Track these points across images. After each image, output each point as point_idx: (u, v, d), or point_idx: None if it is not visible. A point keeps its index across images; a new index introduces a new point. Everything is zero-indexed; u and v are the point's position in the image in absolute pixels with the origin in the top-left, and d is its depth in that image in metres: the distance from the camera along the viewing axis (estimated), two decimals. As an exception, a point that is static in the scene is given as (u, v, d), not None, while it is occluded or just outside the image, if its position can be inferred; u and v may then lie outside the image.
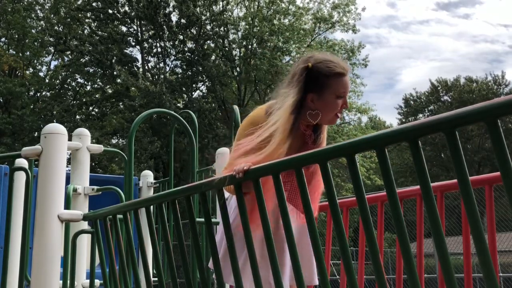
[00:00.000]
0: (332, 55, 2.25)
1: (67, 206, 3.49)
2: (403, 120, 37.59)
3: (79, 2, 20.71)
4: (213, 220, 3.05)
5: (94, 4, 20.41)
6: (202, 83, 21.49)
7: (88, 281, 3.37)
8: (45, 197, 2.98)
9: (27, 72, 22.50)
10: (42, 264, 2.88)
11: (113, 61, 19.15)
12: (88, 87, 22.31)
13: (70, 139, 3.73)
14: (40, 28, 21.19)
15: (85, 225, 3.48)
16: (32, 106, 20.30)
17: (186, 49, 20.44)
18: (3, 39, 21.47)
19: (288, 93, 2.13)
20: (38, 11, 22.12)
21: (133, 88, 19.21)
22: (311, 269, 2.33)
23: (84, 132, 4.04)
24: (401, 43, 65.30)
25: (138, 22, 20.78)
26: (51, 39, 20.17)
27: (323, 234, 4.17)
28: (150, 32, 20.44)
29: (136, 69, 20.36)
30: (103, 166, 19.88)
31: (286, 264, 2.22)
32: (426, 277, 12.35)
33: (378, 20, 60.50)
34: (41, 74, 22.50)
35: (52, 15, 21.11)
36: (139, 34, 20.89)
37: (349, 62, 24.19)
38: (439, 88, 37.39)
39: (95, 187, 3.95)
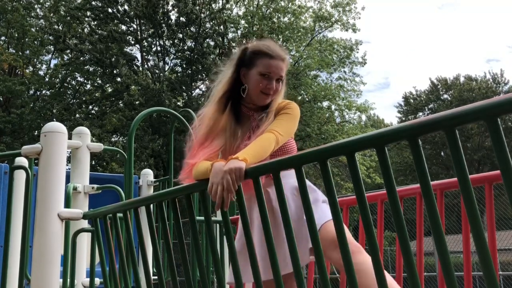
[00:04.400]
0: (273, 42, 2.41)
1: (67, 204, 3.50)
2: (403, 119, 37.61)
3: (78, 1, 20.67)
4: (213, 218, 3.05)
5: (93, 3, 20.38)
6: (202, 81, 21.48)
7: (88, 279, 3.37)
8: (45, 195, 2.99)
9: (27, 70, 22.46)
10: (42, 263, 2.88)
11: (113, 59, 19.12)
12: (88, 86, 22.29)
13: (70, 137, 3.74)
14: (39, 27, 21.16)
15: (85, 224, 3.49)
16: (32, 105, 20.25)
17: (185, 47, 20.42)
18: (2, 38, 21.44)
19: (225, 70, 2.39)
20: (38, 10, 22.10)
21: (133, 87, 19.19)
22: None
23: (84, 131, 4.05)
24: (398, 42, 65.26)
25: (138, 21, 20.75)
26: (50, 37, 20.15)
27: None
28: (149, 31, 20.42)
29: (136, 67, 20.35)
30: (103, 165, 19.88)
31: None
32: (426, 276, 12.35)
33: (375, 19, 60.46)
34: (41, 72, 22.46)
35: (51, 14, 21.08)
36: (138, 32, 20.87)
37: (348, 60, 24.17)
38: (439, 87, 37.40)
39: (95, 186, 3.96)
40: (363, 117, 26.02)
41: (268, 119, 2.25)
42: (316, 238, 1.65)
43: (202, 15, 19.63)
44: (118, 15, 20.35)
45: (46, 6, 22.02)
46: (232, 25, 21.78)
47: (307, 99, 22.45)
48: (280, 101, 2.34)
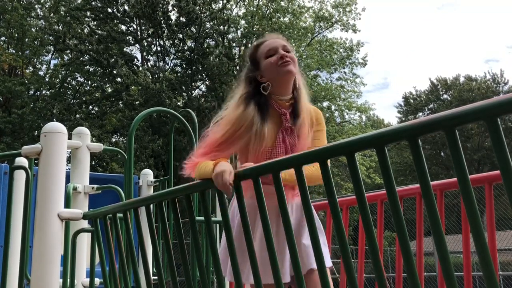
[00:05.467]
0: (264, 36, 2.48)
1: (67, 204, 3.50)
2: (403, 119, 37.60)
3: (78, 1, 20.67)
4: (213, 218, 3.05)
5: (93, 3, 20.38)
6: (201, 81, 21.47)
7: (88, 279, 3.37)
8: (45, 195, 2.99)
9: (27, 71, 22.46)
10: (42, 263, 2.88)
11: (113, 60, 19.11)
12: (88, 87, 22.28)
13: (70, 137, 3.74)
14: (39, 27, 21.16)
15: (85, 224, 3.49)
16: (32, 105, 20.24)
17: (185, 48, 20.41)
18: (2, 38, 21.45)
19: (239, 82, 2.42)
20: (38, 10, 22.10)
21: (133, 87, 19.18)
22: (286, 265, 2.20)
23: (84, 131, 4.05)
24: (398, 42, 65.31)
25: (138, 21, 20.75)
26: (50, 38, 20.14)
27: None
28: (149, 31, 20.41)
29: (135, 67, 20.35)
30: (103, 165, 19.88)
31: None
32: (426, 276, 12.36)
33: (375, 20, 60.49)
34: (40, 73, 22.47)
35: (51, 14, 21.09)
36: (138, 32, 20.86)
37: (348, 61, 24.20)
38: (438, 87, 37.39)
39: (95, 186, 3.96)
40: (363, 118, 26.02)
41: (304, 125, 2.28)
42: (316, 237, 1.65)
43: (203, 15, 19.61)
44: (118, 14, 20.34)
45: (46, 6, 22.02)
46: (232, 25, 21.76)
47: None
48: (309, 105, 2.37)
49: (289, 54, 2.29)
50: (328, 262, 2.18)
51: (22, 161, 3.66)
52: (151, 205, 2.30)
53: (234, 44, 21.30)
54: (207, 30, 19.96)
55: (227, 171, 1.88)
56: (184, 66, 20.86)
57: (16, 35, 20.87)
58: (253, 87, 2.31)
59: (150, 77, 19.40)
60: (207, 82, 21.23)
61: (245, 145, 2.21)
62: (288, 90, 2.32)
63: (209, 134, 2.22)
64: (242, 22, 22.66)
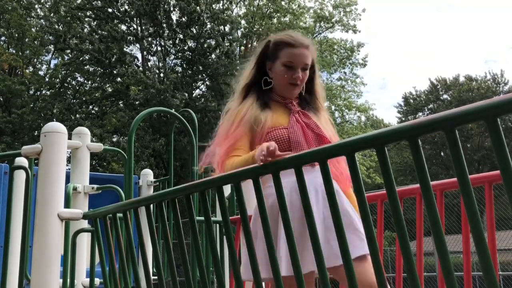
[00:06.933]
0: (295, 32, 2.37)
1: (67, 204, 3.50)
2: (403, 119, 37.59)
3: (78, 1, 20.66)
4: (213, 218, 3.05)
5: (94, 2, 20.37)
6: (202, 82, 21.45)
7: (88, 279, 3.37)
8: (45, 195, 2.99)
9: (27, 71, 22.44)
10: (42, 263, 2.88)
11: (114, 59, 19.10)
12: (88, 86, 22.28)
13: (70, 137, 3.74)
14: (39, 26, 21.17)
15: (85, 224, 3.49)
16: (32, 105, 20.24)
17: (186, 48, 20.39)
18: (2, 38, 21.45)
19: (246, 65, 2.38)
20: (38, 10, 22.10)
21: (133, 87, 19.16)
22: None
23: (84, 131, 4.05)
24: (398, 43, 65.33)
25: (138, 21, 20.73)
26: (51, 37, 20.13)
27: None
28: (149, 31, 20.39)
29: (136, 67, 20.34)
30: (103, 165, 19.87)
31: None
32: (426, 276, 12.35)
33: (374, 20, 60.46)
34: (41, 73, 22.45)
35: (51, 14, 21.08)
36: (138, 32, 20.84)
37: (348, 61, 24.20)
38: (438, 87, 37.38)
39: (95, 186, 3.96)
40: (363, 118, 26.01)
41: (322, 109, 2.36)
42: (316, 244, 1.65)
43: (205, 15, 19.58)
44: (119, 14, 20.32)
45: (47, 6, 22.01)
46: (233, 26, 21.75)
47: (307, 99, 22.40)
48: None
49: (303, 75, 2.25)
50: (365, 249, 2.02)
51: (22, 161, 3.66)
52: (151, 205, 2.30)
53: (234, 44, 21.28)
54: (208, 31, 19.93)
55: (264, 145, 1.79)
56: (185, 66, 20.85)
57: (16, 35, 20.87)
58: (260, 75, 2.30)
59: (151, 77, 19.37)
60: (207, 83, 21.21)
61: (252, 134, 2.19)
62: (292, 97, 2.31)
63: (221, 127, 2.25)
64: (243, 22, 22.66)
